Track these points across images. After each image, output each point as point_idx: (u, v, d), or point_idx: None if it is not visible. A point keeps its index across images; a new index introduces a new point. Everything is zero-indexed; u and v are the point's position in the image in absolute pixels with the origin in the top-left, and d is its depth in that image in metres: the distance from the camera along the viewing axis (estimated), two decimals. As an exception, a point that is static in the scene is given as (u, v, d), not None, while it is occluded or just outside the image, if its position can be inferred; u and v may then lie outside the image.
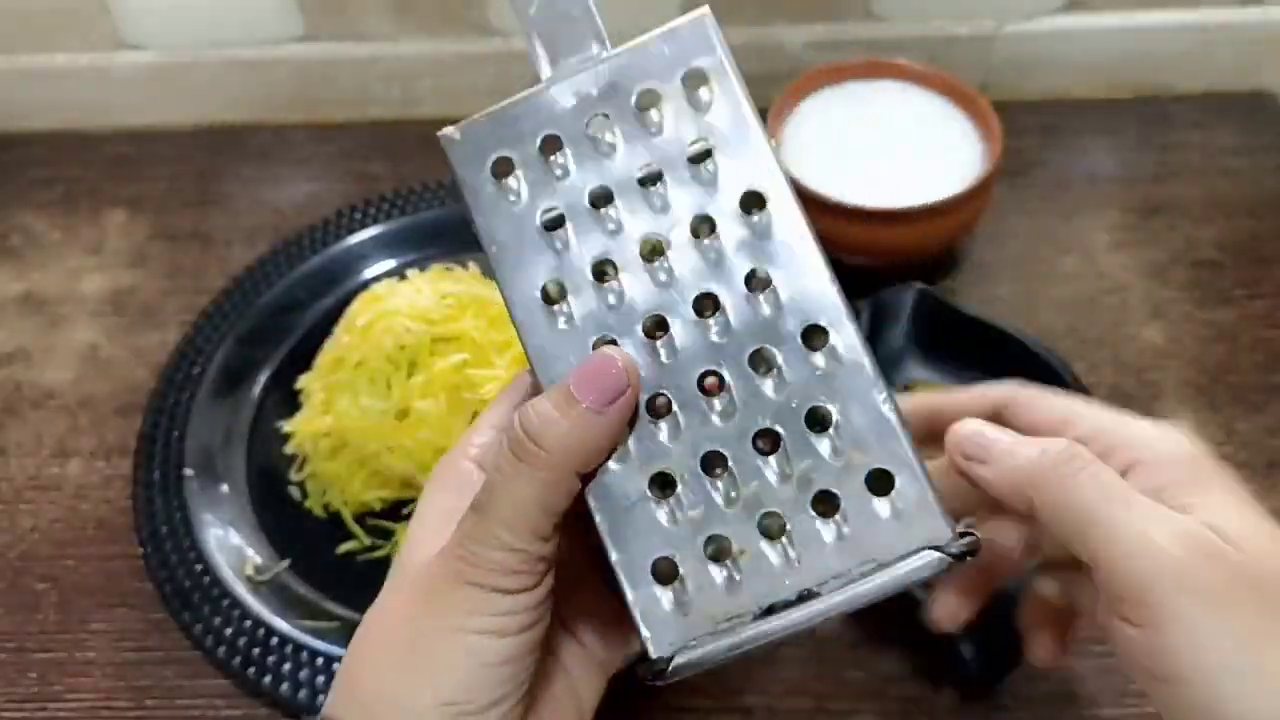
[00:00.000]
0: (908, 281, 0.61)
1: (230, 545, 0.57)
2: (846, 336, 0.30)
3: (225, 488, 0.59)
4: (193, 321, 0.67)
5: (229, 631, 0.53)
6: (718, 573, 0.29)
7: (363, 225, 0.71)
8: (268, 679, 0.51)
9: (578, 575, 0.34)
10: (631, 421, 0.30)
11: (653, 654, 0.29)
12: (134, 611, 0.56)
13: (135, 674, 0.54)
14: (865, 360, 0.30)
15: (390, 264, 0.70)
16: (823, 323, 0.30)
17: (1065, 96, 0.79)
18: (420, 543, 0.32)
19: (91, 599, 0.57)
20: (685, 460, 0.30)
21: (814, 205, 0.62)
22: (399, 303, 0.58)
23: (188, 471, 0.59)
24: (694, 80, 0.31)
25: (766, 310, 0.30)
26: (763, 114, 0.65)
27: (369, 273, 0.69)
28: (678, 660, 0.29)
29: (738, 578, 0.29)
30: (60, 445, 0.63)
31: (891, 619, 0.53)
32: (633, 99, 0.31)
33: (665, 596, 0.29)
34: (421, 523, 0.33)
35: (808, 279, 0.30)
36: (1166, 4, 0.76)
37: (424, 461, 0.56)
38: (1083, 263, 0.69)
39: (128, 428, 0.63)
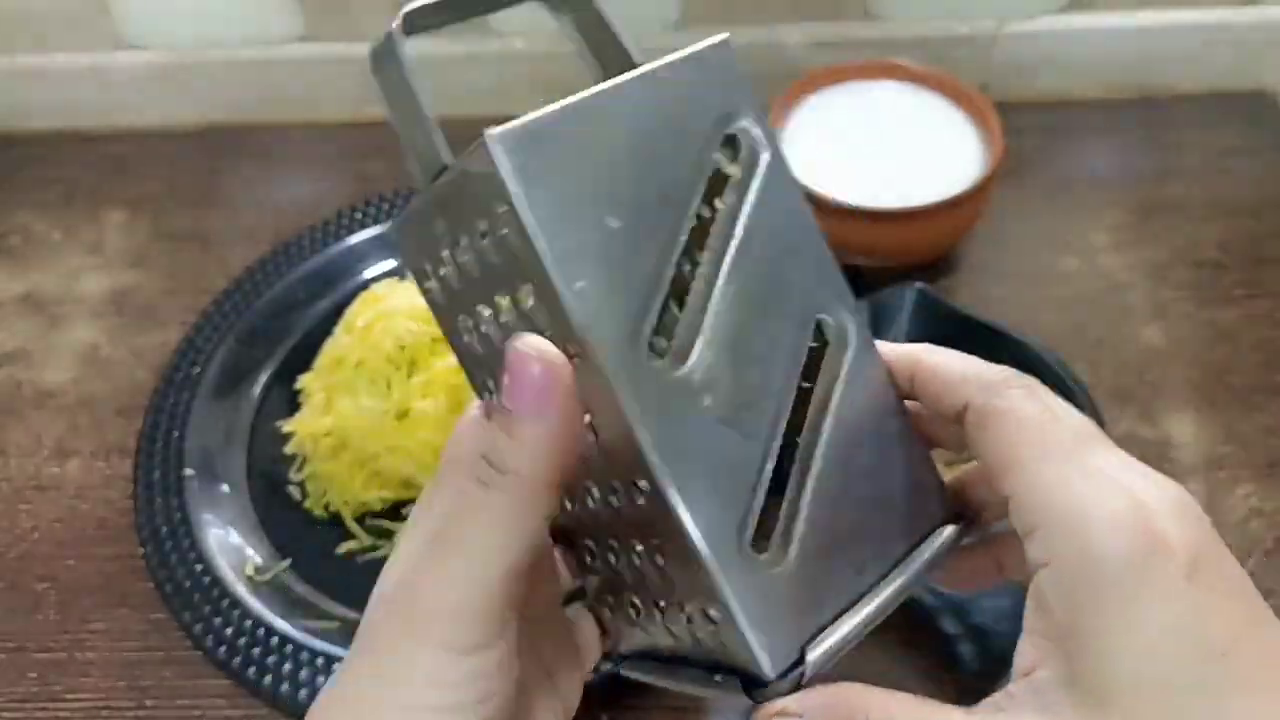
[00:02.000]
0: (908, 281, 0.61)
1: (230, 545, 0.57)
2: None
3: (225, 488, 0.59)
4: (193, 321, 0.67)
5: (229, 631, 0.53)
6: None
7: (363, 225, 0.71)
8: (268, 679, 0.51)
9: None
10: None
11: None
12: (134, 611, 0.56)
13: (135, 674, 0.54)
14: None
15: (390, 264, 0.69)
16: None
17: (1065, 96, 0.79)
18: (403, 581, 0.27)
19: (91, 599, 0.57)
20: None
21: (815, 205, 0.62)
22: (399, 303, 0.58)
23: (188, 471, 0.59)
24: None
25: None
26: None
27: (369, 273, 0.69)
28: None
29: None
30: (60, 445, 0.63)
31: (890, 618, 0.53)
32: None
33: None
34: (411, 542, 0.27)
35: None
36: (1166, 4, 0.76)
37: (424, 462, 0.55)
38: (1083, 263, 0.69)
39: (128, 428, 0.63)
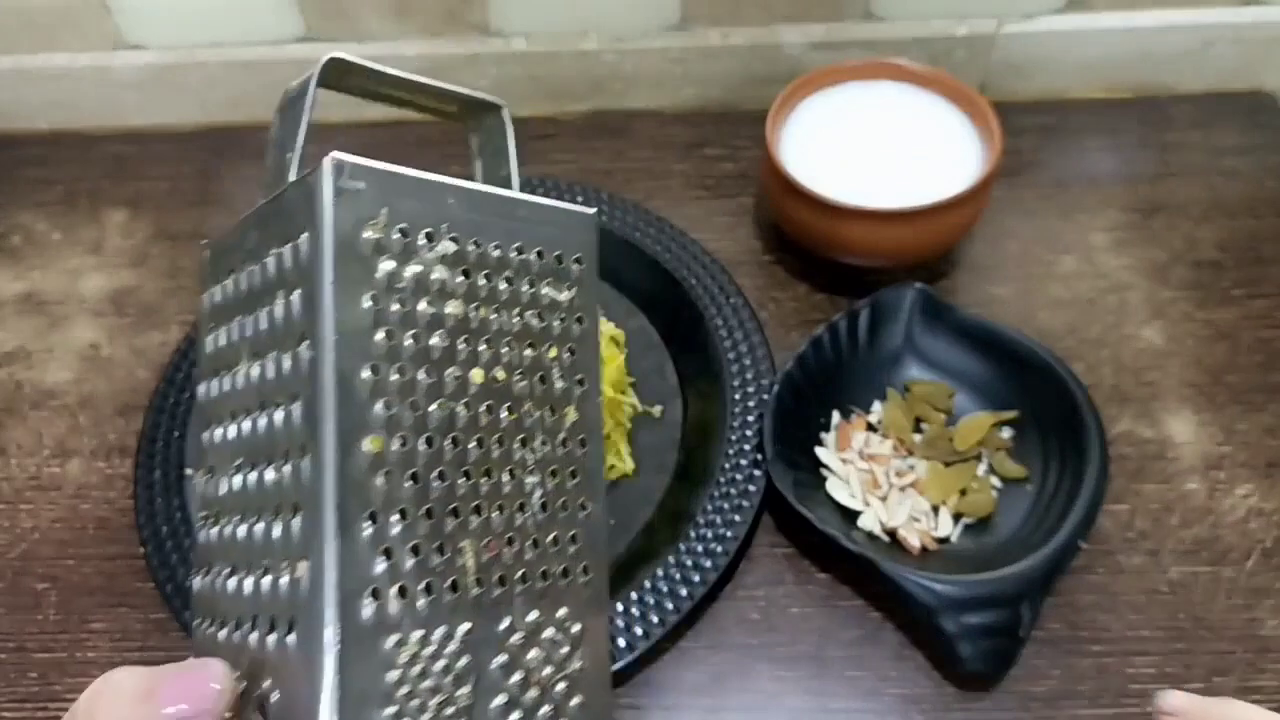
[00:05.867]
0: (908, 281, 0.61)
1: (230, 545, 0.57)
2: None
3: (225, 488, 0.59)
4: (193, 321, 0.67)
5: (229, 631, 0.53)
6: None
7: (363, 225, 0.71)
8: (268, 679, 0.51)
9: None
10: None
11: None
12: (134, 611, 0.56)
13: (135, 674, 0.54)
14: None
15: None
16: None
17: (1065, 96, 0.79)
18: None
19: (91, 599, 0.57)
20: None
21: (814, 205, 0.62)
22: (399, 303, 0.58)
23: (188, 471, 0.59)
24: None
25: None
26: (762, 114, 0.66)
27: (369, 273, 0.69)
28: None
29: None
30: (60, 445, 0.64)
31: (890, 617, 0.53)
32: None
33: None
34: None
35: None
36: (1166, 4, 0.76)
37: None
38: (1083, 263, 0.69)
39: (128, 428, 0.63)
